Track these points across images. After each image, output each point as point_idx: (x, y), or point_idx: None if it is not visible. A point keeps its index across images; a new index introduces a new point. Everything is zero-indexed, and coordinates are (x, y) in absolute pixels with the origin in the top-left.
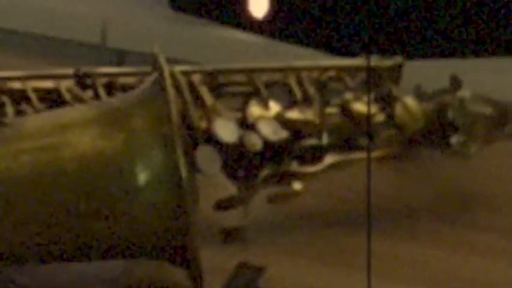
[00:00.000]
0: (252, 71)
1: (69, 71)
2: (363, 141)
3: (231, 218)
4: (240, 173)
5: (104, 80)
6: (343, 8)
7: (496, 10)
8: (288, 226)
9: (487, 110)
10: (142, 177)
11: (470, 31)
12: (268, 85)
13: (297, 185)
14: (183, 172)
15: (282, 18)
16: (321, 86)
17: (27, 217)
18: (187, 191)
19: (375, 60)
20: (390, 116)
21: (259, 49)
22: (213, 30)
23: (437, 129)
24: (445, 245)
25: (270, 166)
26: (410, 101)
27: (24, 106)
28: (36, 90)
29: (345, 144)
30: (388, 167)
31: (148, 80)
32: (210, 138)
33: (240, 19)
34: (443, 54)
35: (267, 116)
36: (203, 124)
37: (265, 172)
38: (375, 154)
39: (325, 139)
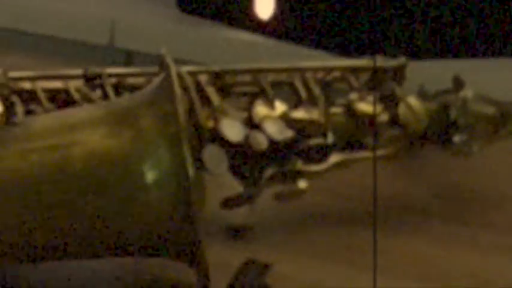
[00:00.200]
0: (258, 71)
1: (78, 71)
2: (367, 140)
3: (238, 216)
4: (246, 171)
5: (112, 80)
6: (347, 10)
7: (498, 11)
8: (294, 224)
9: (489, 110)
10: (150, 176)
11: (473, 32)
12: (274, 85)
13: (302, 183)
14: (190, 171)
15: (287, 19)
16: (326, 86)
17: (36, 215)
18: (194, 190)
19: (380, 61)
20: (394, 116)
21: (265, 50)
22: (219, 31)
23: (440, 129)
24: (449, 242)
25: (276, 165)
26: (413, 101)
27: (33, 106)
28: (45, 90)
29: (350, 143)
30: (391, 165)
31: (156, 80)
32: (217, 138)
33: (246, 20)
34: (446, 55)
35: (272, 116)
36: (210, 124)
37: (270, 171)
38: (379, 153)
39: (329, 138)
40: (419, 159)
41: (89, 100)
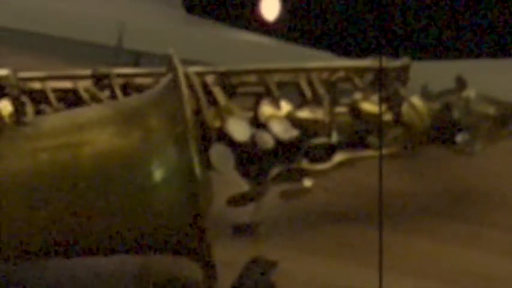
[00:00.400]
0: (263, 71)
1: (87, 71)
2: (371, 139)
3: (244, 214)
4: (252, 170)
5: (120, 80)
6: (352, 11)
7: (501, 11)
8: (299, 221)
9: (492, 110)
10: (157, 174)
11: (475, 33)
12: (280, 85)
13: (307, 182)
14: (197, 170)
15: (293, 20)
16: (331, 86)
17: (45, 214)
18: (201, 188)
19: (384, 62)
20: (398, 115)
21: (271, 50)
22: (226, 32)
23: (443, 128)
24: (454, 240)
25: (281, 164)
26: (417, 101)
27: (43, 106)
28: (55, 90)
29: (354, 142)
30: (395, 164)
31: (164, 81)
32: (223, 137)
33: (252, 21)
34: (449, 56)
35: (278, 115)
36: (216, 123)
37: (276, 169)
38: (383, 152)
39: (334, 137)
40: (422, 158)
41: (98, 100)
